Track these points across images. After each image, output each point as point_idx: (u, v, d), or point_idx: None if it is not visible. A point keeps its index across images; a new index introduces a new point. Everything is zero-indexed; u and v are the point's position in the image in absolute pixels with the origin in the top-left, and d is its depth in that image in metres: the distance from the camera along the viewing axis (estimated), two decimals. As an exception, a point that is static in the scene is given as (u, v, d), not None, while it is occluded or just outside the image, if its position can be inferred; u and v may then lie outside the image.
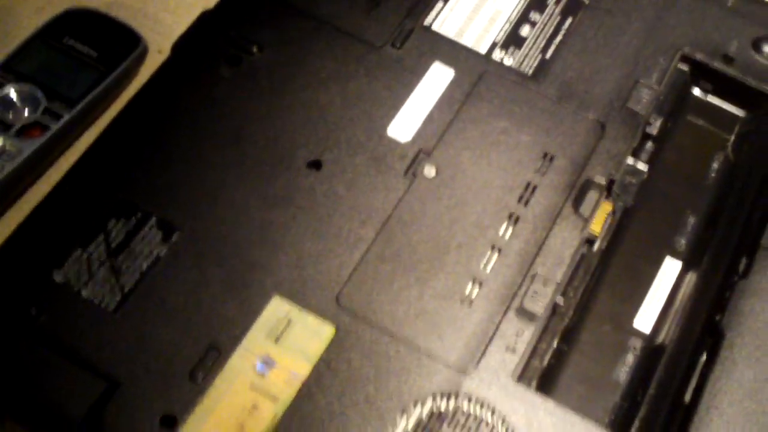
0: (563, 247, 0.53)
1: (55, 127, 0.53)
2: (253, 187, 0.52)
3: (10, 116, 0.53)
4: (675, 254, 0.56)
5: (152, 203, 0.51)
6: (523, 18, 0.61)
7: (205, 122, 0.54)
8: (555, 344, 0.51)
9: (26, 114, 0.54)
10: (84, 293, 0.48)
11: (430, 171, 0.54)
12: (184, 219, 0.50)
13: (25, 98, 0.54)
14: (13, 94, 0.54)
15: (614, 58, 0.60)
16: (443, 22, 0.60)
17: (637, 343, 0.52)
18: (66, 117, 0.54)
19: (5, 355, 0.46)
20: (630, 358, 0.52)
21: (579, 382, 0.51)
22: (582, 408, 0.48)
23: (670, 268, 0.55)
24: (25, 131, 0.53)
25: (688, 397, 0.50)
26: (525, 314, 0.50)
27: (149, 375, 0.46)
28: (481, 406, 0.47)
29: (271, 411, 0.45)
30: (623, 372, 0.52)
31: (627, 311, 0.54)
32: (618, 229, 0.56)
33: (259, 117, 0.54)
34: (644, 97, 0.59)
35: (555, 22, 0.61)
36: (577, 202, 0.55)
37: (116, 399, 0.45)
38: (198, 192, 0.51)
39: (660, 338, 0.53)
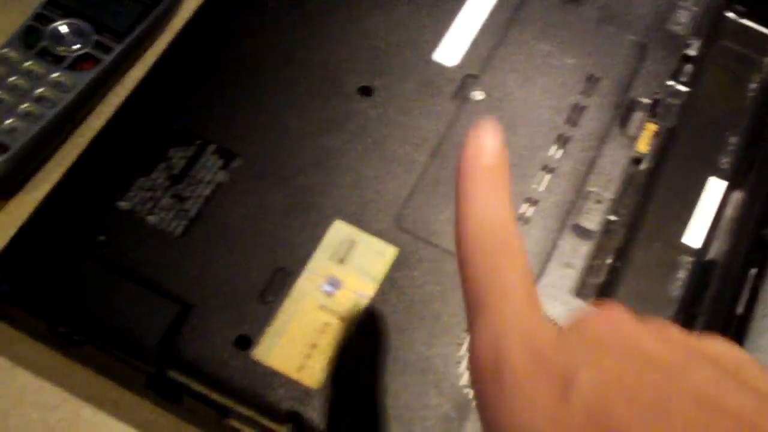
0: (613, 165, 0.53)
1: (107, 59, 0.53)
2: (307, 113, 0.52)
3: (62, 50, 0.53)
4: (719, 173, 0.56)
5: (210, 130, 0.51)
6: (560, -57, 0.61)
7: (256, 49, 0.54)
8: (609, 261, 0.52)
9: (77, 47, 0.54)
10: (150, 220, 0.48)
11: (478, 94, 0.54)
12: (243, 145, 0.51)
13: (75, 32, 0.54)
14: (62, 28, 0.54)
15: (651, -21, 0.61)
16: (483, -52, 0.60)
17: (687, 259, 0.53)
18: (117, 49, 0.54)
19: (78, 283, 0.46)
20: (682, 274, 0.53)
21: (634, 298, 0.51)
22: (639, 322, 0.49)
23: (715, 187, 0.56)
24: (78, 64, 0.53)
25: (741, 308, 0.51)
26: (580, 231, 0.51)
27: (220, 298, 0.46)
28: (545, 321, 0.48)
29: (341, 329, 0.46)
30: (676, 287, 0.52)
31: (676, 229, 0.54)
32: (663, 150, 0.56)
33: (308, 44, 0.55)
34: (683, 18, 0.60)
35: (593, -54, 0.61)
36: (624, 122, 0.55)
37: (190, 322, 0.45)
38: (254, 118, 0.51)
39: (710, 254, 0.53)
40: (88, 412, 0.46)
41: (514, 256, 0.33)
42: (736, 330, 0.50)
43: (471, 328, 0.33)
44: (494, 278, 0.33)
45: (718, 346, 0.32)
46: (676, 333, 0.32)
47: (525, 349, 0.31)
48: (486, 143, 0.35)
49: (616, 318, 0.32)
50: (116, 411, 0.47)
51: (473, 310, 0.33)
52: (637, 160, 0.55)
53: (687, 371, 0.29)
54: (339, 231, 0.49)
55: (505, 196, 0.34)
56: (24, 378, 0.47)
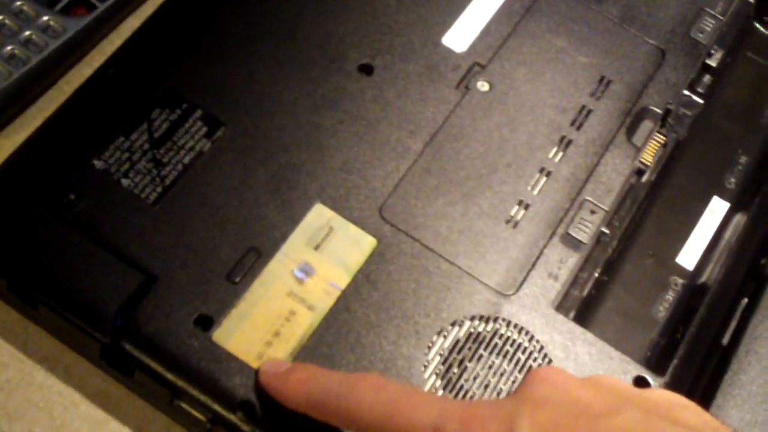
0: (614, 175, 0.51)
1: (102, 6, 0.51)
2: (301, 87, 0.50)
3: (56, -8, 0.51)
4: (723, 193, 0.54)
5: (198, 95, 0.49)
6: (590, -67, 0.59)
7: (257, 15, 0.52)
8: (596, 275, 0.50)
9: (72, -10, 0.52)
10: (124, 183, 0.46)
11: (483, 85, 0.52)
12: (230, 114, 0.49)
13: (72, -26, 0.52)
14: (59, -31, 0.52)
15: (680, -19, 0.58)
16: (508, -69, 0.57)
17: (678, 281, 0.51)
18: (114, -3, 0.52)
19: (41, 240, 0.44)
20: (670, 295, 0.51)
21: (617, 314, 0.50)
22: (619, 341, 0.48)
23: (718, 208, 0.54)
24: (71, 9, 0.51)
25: (726, 339, 0.49)
26: (570, 241, 0.49)
27: (186, 272, 0.44)
28: (520, 332, 0.46)
29: (307, 319, 0.44)
30: (662, 308, 0.50)
31: (671, 247, 0.52)
32: (668, 162, 0.54)
33: (313, 14, 0.52)
34: (707, 27, 0.57)
35: (623, -60, 0.58)
36: (631, 131, 0.53)
37: (152, 293, 0.44)
38: (246, 87, 0.49)
39: (702, 277, 0.52)
40: (39, 375, 0.45)
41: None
42: (718, 362, 0.49)
43: None
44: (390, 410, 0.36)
45: (649, 391, 0.37)
46: (606, 381, 0.37)
47: (460, 423, 0.34)
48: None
49: (548, 375, 0.36)
50: (67, 377, 0.45)
51: None
52: (640, 172, 0.53)
53: (617, 413, 0.33)
54: (319, 215, 0.47)
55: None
56: (-25, 331, 0.46)
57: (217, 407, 0.42)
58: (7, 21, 0.49)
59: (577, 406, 0.34)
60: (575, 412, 0.34)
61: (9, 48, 0.49)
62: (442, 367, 0.45)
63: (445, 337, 0.45)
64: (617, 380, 0.38)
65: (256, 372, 0.42)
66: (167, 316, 0.43)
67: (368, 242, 0.47)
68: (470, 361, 0.45)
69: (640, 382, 0.46)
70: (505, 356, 0.45)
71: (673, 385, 0.47)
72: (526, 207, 0.49)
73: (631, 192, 0.53)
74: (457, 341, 0.45)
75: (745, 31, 0.59)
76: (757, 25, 0.60)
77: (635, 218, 0.52)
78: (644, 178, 0.53)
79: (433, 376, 0.44)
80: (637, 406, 0.34)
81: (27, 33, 0.49)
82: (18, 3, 0.50)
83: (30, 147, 0.47)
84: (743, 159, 0.56)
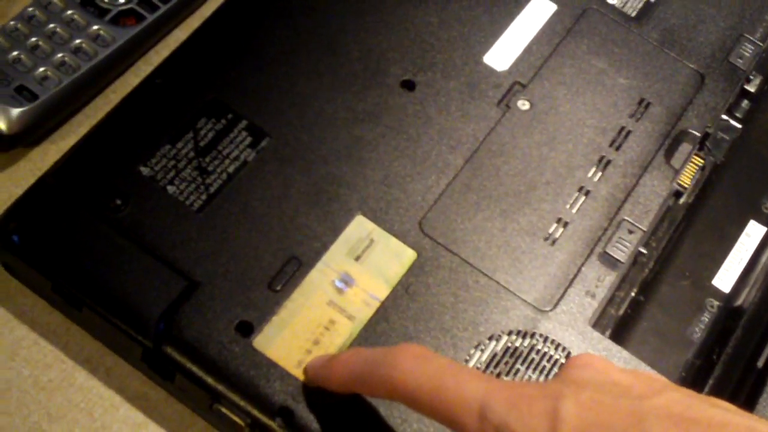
0: (652, 196, 0.52)
1: (150, 17, 0.52)
2: (344, 101, 0.51)
3: (106, 2, 0.52)
4: (760, 217, 0.54)
5: (243, 106, 0.49)
6: (632, -43, 0.59)
7: (301, 29, 0.52)
8: (633, 294, 0.51)
9: (122, 1, 0.52)
10: (169, 189, 0.47)
11: (524, 104, 0.53)
12: (274, 126, 0.49)
13: (122, -15, 0.53)
14: (110, -21, 0.53)
15: (720, 8, 0.59)
16: (550, -47, 0.58)
17: (714, 303, 0.51)
18: (162, 8, 0.52)
19: (87, 243, 0.45)
20: (706, 317, 0.51)
21: (653, 334, 0.50)
22: (654, 361, 0.48)
23: (754, 231, 0.54)
24: (121, 19, 0.52)
25: (761, 361, 0.49)
26: (608, 260, 0.49)
27: (228, 279, 0.45)
28: (557, 348, 0.46)
29: (347, 329, 0.45)
30: (698, 330, 0.51)
31: (707, 269, 0.53)
32: (705, 185, 0.55)
33: (356, 29, 0.53)
34: (747, 53, 0.58)
35: (664, -35, 0.59)
36: (669, 153, 0.53)
37: (194, 299, 0.44)
38: (290, 100, 0.50)
39: (738, 300, 0.52)
40: (80, 376, 0.46)
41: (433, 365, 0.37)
42: (753, 384, 0.49)
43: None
44: (438, 386, 0.36)
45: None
46: (645, 371, 0.40)
47: (506, 401, 0.35)
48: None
49: (589, 361, 0.37)
50: (108, 378, 0.46)
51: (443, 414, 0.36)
52: (677, 194, 0.53)
53: (658, 394, 0.34)
54: (360, 227, 0.47)
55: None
56: (21, 332, 0.46)
57: (256, 412, 0.43)
58: (58, 29, 0.50)
59: (618, 387, 0.35)
60: (617, 392, 0.35)
61: (60, 55, 0.50)
62: (479, 380, 0.45)
63: (482, 350, 0.46)
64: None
65: (304, 370, 0.43)
66: (209, 321, 0.44)
67: (408, 255, 0.47)
68: (507, 375, 0.45)
69: (676, 402, 0.46)
70: (541, 371, 0.46)
71: (708, 406, 0.46)
72: (565, 225, 0.50)
73: (669, 213, 0.53)
74: (495, 355, 0.46)
75: (783, 58, 0.60)
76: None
77: (672, 239, 0.53)
78: (682, 200, 0.53)
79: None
80: (677, 390, 0.35)
81: (77, 41, 0.50)
82: (69, 12, 0.51)
83: (78, 152, 0.47)
84: (781, 184, 0.56)
